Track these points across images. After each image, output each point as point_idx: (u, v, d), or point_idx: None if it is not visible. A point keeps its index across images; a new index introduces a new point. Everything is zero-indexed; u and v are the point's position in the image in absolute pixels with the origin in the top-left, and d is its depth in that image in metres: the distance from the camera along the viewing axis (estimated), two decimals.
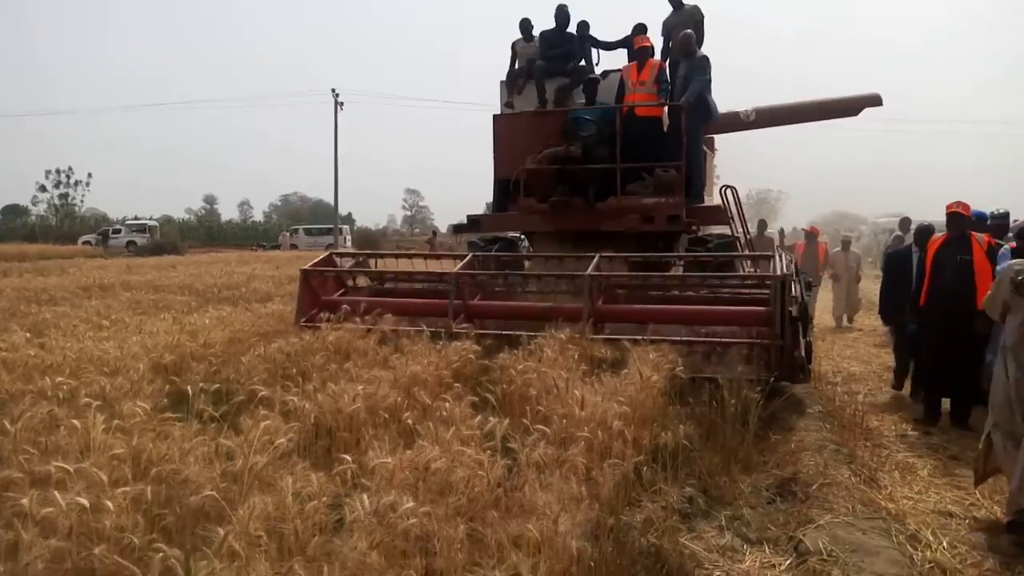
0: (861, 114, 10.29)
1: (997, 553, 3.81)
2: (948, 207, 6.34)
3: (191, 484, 2.70)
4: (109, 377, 4.45)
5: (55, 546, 2.21)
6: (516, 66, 9.50)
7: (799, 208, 70.89)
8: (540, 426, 3.37)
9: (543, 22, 9.50)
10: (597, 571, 2.72)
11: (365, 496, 2.48)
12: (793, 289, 6.09)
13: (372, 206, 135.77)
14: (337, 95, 46.61)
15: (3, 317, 7.81)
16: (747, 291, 6.97)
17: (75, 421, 3.21)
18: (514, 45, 9.59)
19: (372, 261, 8.82)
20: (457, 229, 10.46)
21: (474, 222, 9.08)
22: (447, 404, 3.66)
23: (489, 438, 3.20)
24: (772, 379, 5.44)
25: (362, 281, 8.16)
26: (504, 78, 9.56)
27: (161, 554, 2.04)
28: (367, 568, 2.19)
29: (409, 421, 3.52)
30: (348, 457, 2.86)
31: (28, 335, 5.67)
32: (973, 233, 6.24)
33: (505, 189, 8.74)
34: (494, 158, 9.03)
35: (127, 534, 2.31)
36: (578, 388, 3.93)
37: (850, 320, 12.96)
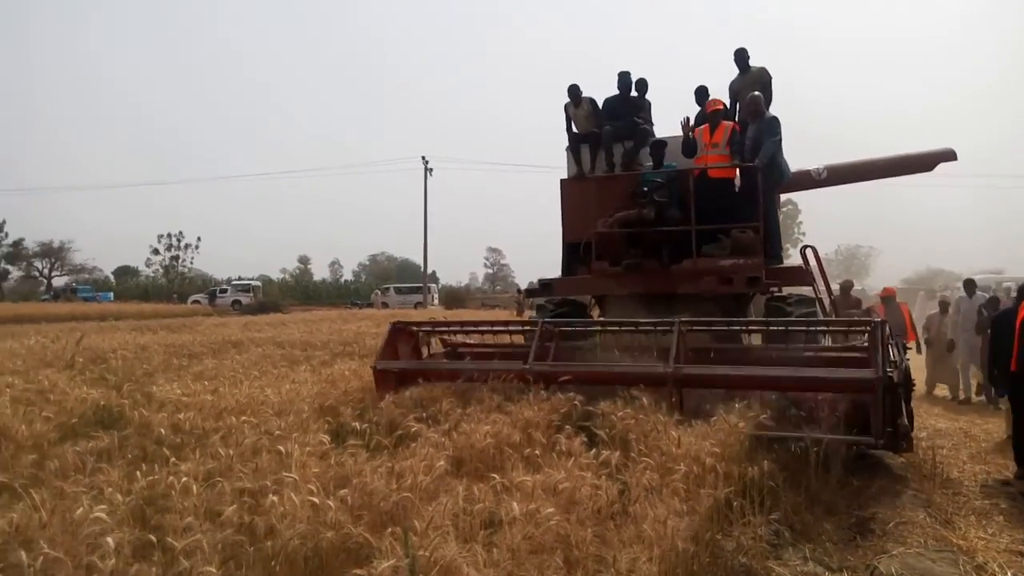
0: (940, 169, 10.00)
1: None
2: None
3: (379, 493, 3.52)
4: (280, 417, 5.41)
5: (299, 529, 3.05)
6: (573, 129, 9.52)
7: (890, 265, 68.96)
8: (644, 458, 4.06)
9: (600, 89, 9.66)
10: (698, 573, 3.39)
11: (515, 503, 3.24)
12: (891, 353, 5.90)
13: (455, 265, 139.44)
14: (427, 162, 49.06)
15: (165, 370, 9.04)
16: (840, 354, 6.79)
17: (280, 447, 4.10)
18: (567, 108, 9.58)
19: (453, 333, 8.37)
20: (529, 293, 10.21)
21: (546, 286, 9.03)
22: (563, 440, 4.39)
23: (604, 467, 3.91)
24: (873, 447, 5.56)
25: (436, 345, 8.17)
26: (567, 144, 9.58)
27: (389, 529, 2.85)
28: (522, 553, 2.94)
29: (536, 452, 4.26)
30: (496, 476, 3.64)
31: (204, 383, 6.76)
32: None
33: (573, 253, 8.83)
34: (562, 222, 9.16)
35: (347, 525, 3.13)
36: (673, 430, 4.58)
37: (951, 392, 11.73)
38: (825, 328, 7.61)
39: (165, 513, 3.19)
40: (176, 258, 62.60)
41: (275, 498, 3.22)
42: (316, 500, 3.25)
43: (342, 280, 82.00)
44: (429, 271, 54.95)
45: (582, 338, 7.39)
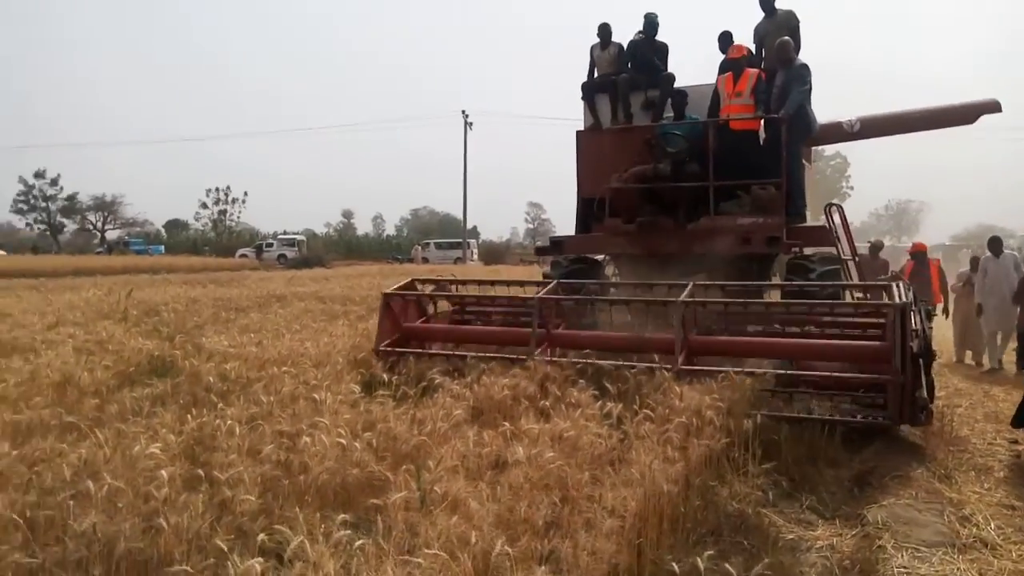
0: (992, 121, 9.26)
1: None
2: None
3: (400, 437, 3.93)
4: (317, 368, 5.86)
5: (328, 466, 3.47)
6: (595, 75, 9.04)
7: (940, 221, 67.14)
8: (647, 411, 4.38)
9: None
10: (687, 518, 3.73)
11: (520, 447, 3.61)
12: (913, 320, 5.62)
13: (497, 219, 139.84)
14: (467, 115, 49.08)
15: (213, 322, 9.62)
16: (860, 321, 6.52)
17: (315, 395, 4.53)
18: (592, 51, 9.06)
19: (454, 287, 8.32)
20: (539, 251, 9.71)
21: (557, 244, 8.81)
22: (574, 393, 4.74)
23: (607, 418, 4.25)
24: (891, 423, 5.50)
25: (444, 305, 7.94)
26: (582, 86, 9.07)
27: (404, 467, 3.25)
28: (523, 490, 3.32)
29: (548, 404, 4.61)
30: (506, 424, 4.01)
31: (250, 335, 7.28)
32: None
33: (589, 209, 8.50)
34: (577, 176, 8.81)
35: (370, 464, 3.54)
36: (677, 386, 4.88)
37: (975, 358, 11.09)
38: (844, 289, 7.39)
39: (212, 451, 3.63)
40: (224, 212, 64.19)
41: (308, 439, 3.64)
42: (344, 442, 3.66)
43: (384, 235, 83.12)
44: (470, 226, 55.51)
45: (590, 302, 7.23)
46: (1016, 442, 6.61)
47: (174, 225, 78.59)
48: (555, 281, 7.13)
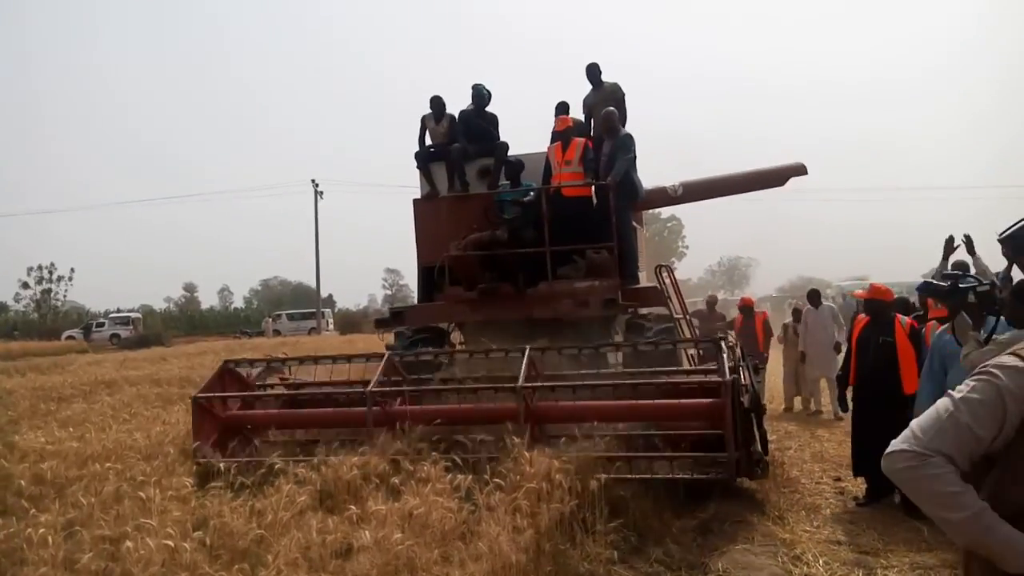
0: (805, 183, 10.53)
1: (863, 568, 4.82)
2: (868, 291, 6.37)
3: (237, 532, 3.70)
4: (147, 461, 5.44)
5: (153, 572, 3.20)
6: (427, 144, 9.01)
7: (768, 275, 73.21)
8: (497, 480, 4.39)
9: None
10: None
11: (367, 531, 3.50)
12: (742, 376, 5.80)
13: (353, 287, 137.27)
14: (317, 185, 48.41)
15: (31, 415, 8.71)
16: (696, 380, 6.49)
17: (141, 492, 4.20)
18: (425, 121, 9.05)
19: (288, 367, 7.55)
20: (379, 323, 9.08)
21: (397, 315, 8.62)
22: (425, 467, 4.67)
23: (457, 491, 4.23)
24: (728, 477, 5.51)
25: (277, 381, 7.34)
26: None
27: (237, 566, 3.05)
28: None
29: (396, 480, 4.52)
30: (353, 507, 3.88)
31: (69, 430, 6.64)
32: (897, 315, 6.24)
33: (430, 277, 8.39)
34: (417, 244, 8.72)
35: (202, 565, 3.30)
36: (527, 451, 4.93)
37: (803, 404, 11.54)
38: (683, 346, 7.55)
39: (20, 566, 3.25)
40: (48, 291, 58.96)
41: (131, 544, 3.35)
42: (172, 543, 3.40)
43: (232, 307, 79.26)
44: (325, 295, 54.12)
45: (432, 370, 7.11)
46: (839, 479, 7.18)
47: None
48: (387, 354, 6.86)
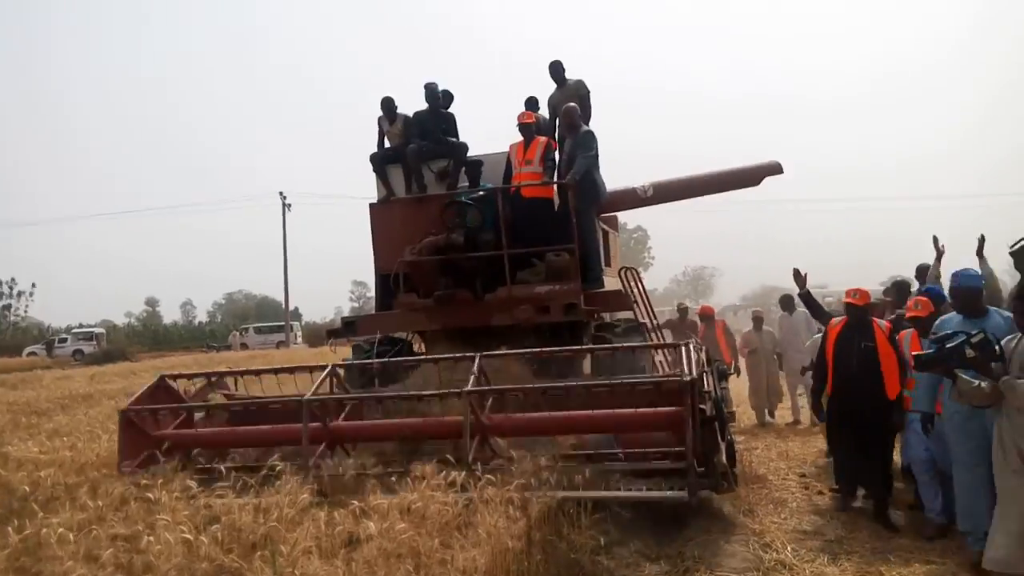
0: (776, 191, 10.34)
1: (828, 553, 5.18)
2: (846, 295, 6.14)
3: (247, 528, 3.93)
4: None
5: (176, 562, 3.41)
6: (384, 146, 8.76)
7: (731, 283, 74.48)
8: (489, 476, 4.66)
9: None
10: (530, 571, 4.03)
11: (371, 523, 3.76)
12: (705, 383, 5.45)
13: (320, 300, 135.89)
14: (284, 197, 48.23)
15: (13, 428, 8.77)
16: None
17: (148, 494, 4.40)
18: (380, 123, 8.78)
19: (231, 379, 7.27)
20: (330, 334, 8.73)
21: (349, 324, 8.33)
22: (419, 466, 4.92)
23: (452, 486, 4.49)
24: (688, 494, 5.08)
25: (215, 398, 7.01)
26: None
27: (259, 553, 3.29)
28: (377, 563, 3.47)
29: (392, 479, 4.77)
30: (355, 501, 4.13)
31: (63, 439, 6.76)
32: (874, 319, 6.08)
33: (387, 285, 7.97)
34: (373, 251, 8.38)
35: (220, 556, 3.53)
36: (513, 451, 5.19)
37: (771, 414, 11.30)
38: (651, 353, 7.20)
39: (46, 561, 3.45)
40: (7, 307, 57.72)
41: (150, 538, 3.57)
42: (189, 537, 3.62)
43: (196, 322, 78.24)
44: (292, 307, 53.77)
45: (394, 380, 6.83)
46: (804, 475, 7.58)
47: None
48: (331, 365, 6.51)
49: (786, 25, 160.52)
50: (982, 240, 6.32)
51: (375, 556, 3.48)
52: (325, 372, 6.33)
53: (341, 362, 7.28)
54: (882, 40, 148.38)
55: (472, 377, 5.68)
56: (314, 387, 6.08)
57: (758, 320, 11.86)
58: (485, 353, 6.11)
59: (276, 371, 6.86)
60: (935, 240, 6.94)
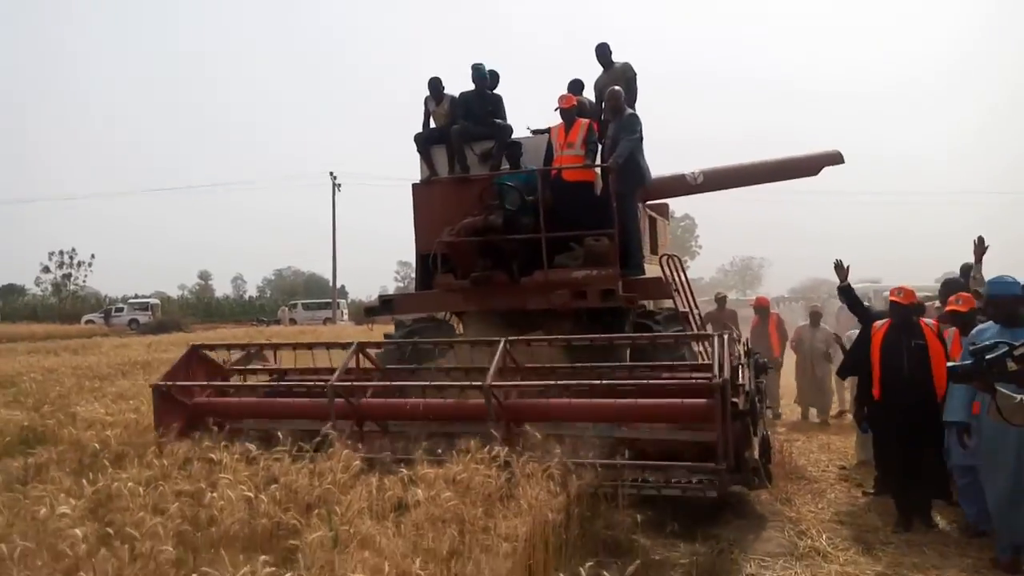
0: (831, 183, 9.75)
1: (862, 543, 5.24)
2: (890, 293, 5.95)
3: (303, 490, 4.18)
4: None
5: (239, 517, 3.66)
6: (430, 127, 8.78)
7: (780, 274, 73.19)
8: (529, 453, 4.83)
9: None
10: (568, 543, 4.20)
11: (419, 490, 3.96)
12: (740, 376, 5.31)
13: (367, 279, 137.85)
14: (335, 177, 49.00)
15: (78, 391, 9.26)
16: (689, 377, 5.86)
17: (211, 455, 4.68)
18: (427, 103, 8.81)
19: (275, 353, 7.44)
20: (368, 312, 8.88)
21: (386, 303, 8.36)
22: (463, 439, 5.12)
23: (495, 460, 4.66)
24: (716, 491, 5.06)
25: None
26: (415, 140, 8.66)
27: (316, 511, 3.52)
28: (425, 527, 3.67)
29: (439, 451, 4.97)
30: (404, 469, 4.34)
31: (129, 402, 7.16)
32: (921, 318, 5.88)
33: (427, 265, 8.03)
34: (415, 231, 8.43)
35: (279, 514, 3.77)
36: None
37: (819, 415, 10.56)
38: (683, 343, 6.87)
39: (118, 512, 3.73)
40: (68, 276, 59.88)
41: (214, 494, 3.82)
42: (250, 495, 3.87)
43: (246, 296, 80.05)
44: (338, 285, 54.74)
45: (430, 359, 6.92)
46: (844, 467, 7.60)
47: (8, 291, 72.23)
48: (355, 343, 6.59)
49: (846, 14, 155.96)
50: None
51: (423, 520, 3.68)
52: (351, 350, 6.43)
53: (370, 341, 7.34)
54: (946, 29, 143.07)
55: (493, 367, 5.64)
56: (342, 367, 6.22)
57: (815, 316, 11.18)
58: (511, 338, 6.14)
59: (310, 346, 7.17)
60: (980, 241, 6.59)
